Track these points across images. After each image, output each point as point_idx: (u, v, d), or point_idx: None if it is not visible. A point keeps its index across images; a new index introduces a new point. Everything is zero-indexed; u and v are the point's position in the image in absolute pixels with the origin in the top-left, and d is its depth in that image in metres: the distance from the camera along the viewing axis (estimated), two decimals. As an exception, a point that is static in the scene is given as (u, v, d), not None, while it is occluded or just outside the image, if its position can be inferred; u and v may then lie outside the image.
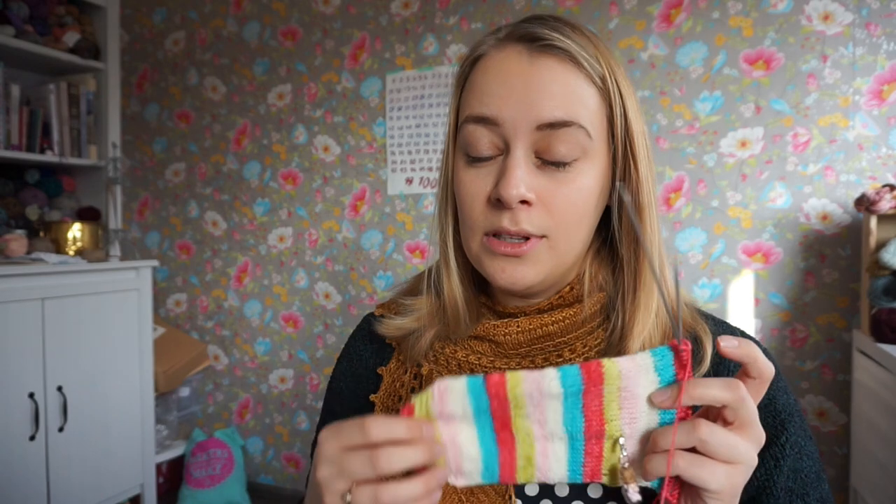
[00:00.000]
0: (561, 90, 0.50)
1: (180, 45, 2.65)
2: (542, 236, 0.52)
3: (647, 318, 0.53)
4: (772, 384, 0.52)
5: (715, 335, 0.55)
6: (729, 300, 1.91)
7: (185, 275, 2.71)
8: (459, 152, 0.55)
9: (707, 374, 0.53)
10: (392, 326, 0.61)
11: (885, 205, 1.55)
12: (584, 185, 0.52)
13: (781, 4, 1.81)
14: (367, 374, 0.65)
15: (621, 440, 0.40)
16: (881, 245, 1.57)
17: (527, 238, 0.52)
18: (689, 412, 0.40)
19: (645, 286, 0.54)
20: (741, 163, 1.88)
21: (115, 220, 2.40)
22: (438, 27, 2.22)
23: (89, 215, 2.36)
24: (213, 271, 2.65)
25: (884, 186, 1.60)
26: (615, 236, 0.57)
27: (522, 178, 0.50)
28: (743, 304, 1.89)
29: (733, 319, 1.89)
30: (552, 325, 0.55)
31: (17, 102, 2.15)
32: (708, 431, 0.38)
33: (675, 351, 0.39)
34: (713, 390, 0.38)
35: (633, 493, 0.39)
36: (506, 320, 0.57)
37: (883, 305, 1.55)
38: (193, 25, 2.62)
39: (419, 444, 0.39)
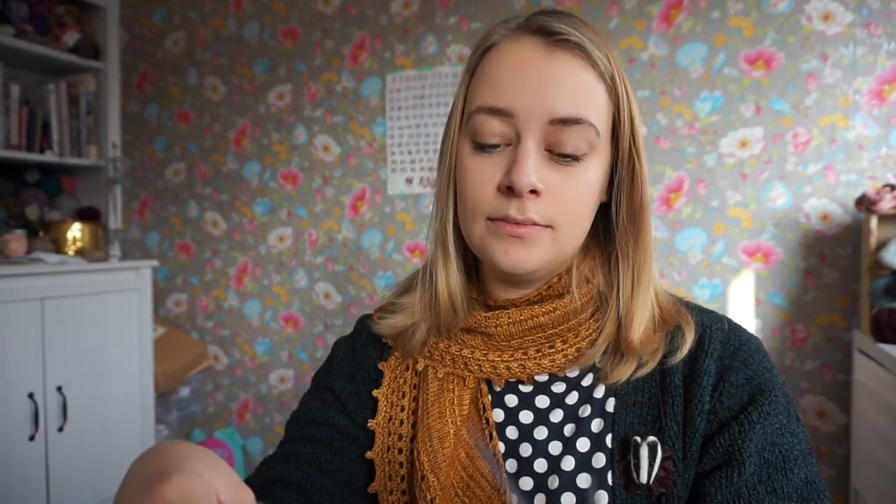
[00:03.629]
0: (575, 86, 0.51)
1: (180, 45, 2.65)
2: (547, 226, 0.53)
3: (646, 311, 0.56)
4: (756, 363, 0.54)
5: (700, 325, 0.57)
6: (729, 300, 1.91)
7: (185, 275, 2.71)
8: (465, 140, 0.55)
9: (687, 363, 0.55)
10: (387, 326, 0.62)
11: (885, 205, 1.55)
12: (590, 181, 0.53)
13: (781, 4, 1.81)
14: (369, 365, 0.65)
15: None
16: (881, 245, 1.57)
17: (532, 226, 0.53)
18: None
19: (643, 282, 0.56)
20: (741, 163, 1.87)
21: (115, 220, 2.40)
22: (438, 27, 2.22)
23: (89, 215, 2.36)
24: (213, 271, 2.65)
25: (884, 186, 1.60)
26: (610, 230, 0.58)
27: (534, 168, 0.51)
28: (743, 304, 1.89)
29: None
30: (543, 315, 0.56)
31: (17, 102, 2.14)
32: None
33: None
34: None
35: None
36: (496, 312, 0.57)
37: (883, 305, 1.55)
38: (193, 25, 2.62)
39: None
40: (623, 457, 0.52)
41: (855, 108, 1.76)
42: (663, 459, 0.50)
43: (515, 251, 0.52)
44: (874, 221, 1.59)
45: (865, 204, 1.59)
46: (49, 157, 2.22)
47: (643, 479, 0.50)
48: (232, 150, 2.58)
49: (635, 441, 0.51)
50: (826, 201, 1.80)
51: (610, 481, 0.51)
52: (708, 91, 1.90)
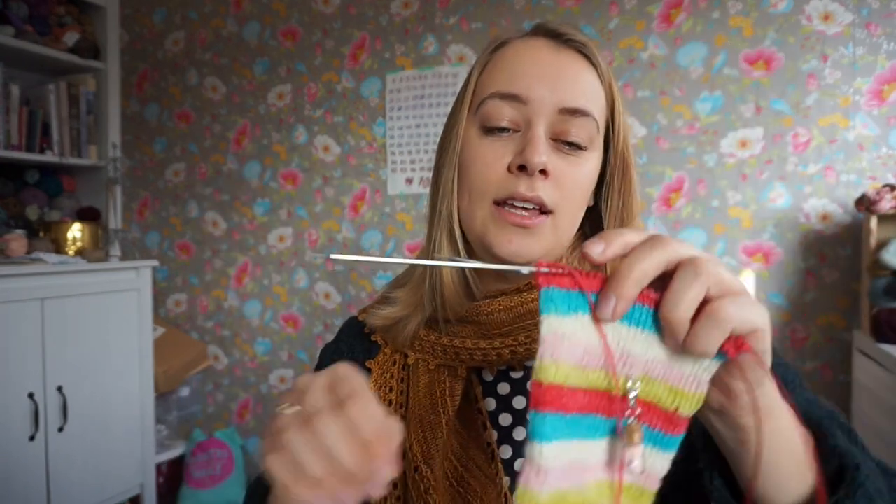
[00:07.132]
0: (583, 81, 0.55)
1: (180, 45, 2.65)
2: (549, 212, 0.55)
3: None
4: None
5: None
6: (729, 300, 1.90)
7: (185, 275, 2.71)
8: (473, 127, 0.57)
9: None
10: (380, 316, 0.63)
11: (885, 205, 1.55)
12: (588, 173, 0.56)
13: (781, 4, 1.81)
14: (357, 363, 0.65)
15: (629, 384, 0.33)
16: (881, 245, 1.57)
17: (538, 209, 0.54)
18: (654, 298, 0.33)
19: None
20: (741, 163, 1.87)
21: (115, 220, 2.40)
22: (438, 27, 2.22)
23: (89, 215, 2.36)
24: (213, 271, 2.65)
25: (884, 186, 1.60)
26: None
27: (545, 150, 0.53)
28: (743, 304, 1.89)
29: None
30: (532, 302, 0.57)
31: (17, 102, 2.15)
32: (714, 269, 0.32)
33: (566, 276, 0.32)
34: (627, 237, 0.33)
35: (637, 458, 0.34)
36: (488, 300, 0.58)
37: (883, 305, 1.55)
38: (193, 25, 2.62)
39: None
40: None
41: (855, 108, 1.76)
42: None
43: (518, 240, 0.54)
44: (874, 221, 1.59)
45: (865, 204, 1.59)
46: (49, 157, 2.22)
47: None
48: (232, 150, 2.58)
49: None
50: (826, 201, 1.80)
51: None
52: (708, 91, 1.90)
